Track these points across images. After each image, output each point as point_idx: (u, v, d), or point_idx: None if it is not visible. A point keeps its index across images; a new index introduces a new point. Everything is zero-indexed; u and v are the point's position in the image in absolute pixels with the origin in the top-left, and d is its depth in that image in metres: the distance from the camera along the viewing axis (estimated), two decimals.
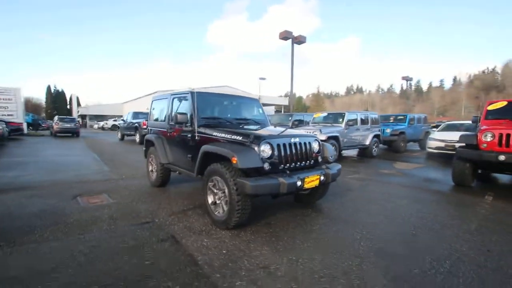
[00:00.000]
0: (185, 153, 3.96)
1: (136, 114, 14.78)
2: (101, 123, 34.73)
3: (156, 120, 5.05)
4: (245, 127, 3.91)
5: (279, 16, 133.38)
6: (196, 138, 3.68)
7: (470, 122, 10.79)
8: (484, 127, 5.42)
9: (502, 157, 4.45)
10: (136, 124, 13.27)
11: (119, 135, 16.01)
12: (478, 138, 4.92)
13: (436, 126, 16.54)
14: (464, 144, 5.34)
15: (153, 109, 5.24)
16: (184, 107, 4.21)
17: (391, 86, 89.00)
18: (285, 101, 33.13)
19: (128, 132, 14.78)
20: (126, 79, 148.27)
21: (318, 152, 3.51)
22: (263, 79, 29.31)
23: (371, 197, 4.48)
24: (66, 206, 3.72)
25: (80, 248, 2.52)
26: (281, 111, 34.57)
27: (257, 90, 30.38)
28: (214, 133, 3.45)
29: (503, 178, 6.36)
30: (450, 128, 10.54)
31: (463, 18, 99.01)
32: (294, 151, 3.21)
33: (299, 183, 2.88)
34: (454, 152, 8.98)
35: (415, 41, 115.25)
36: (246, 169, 2.79)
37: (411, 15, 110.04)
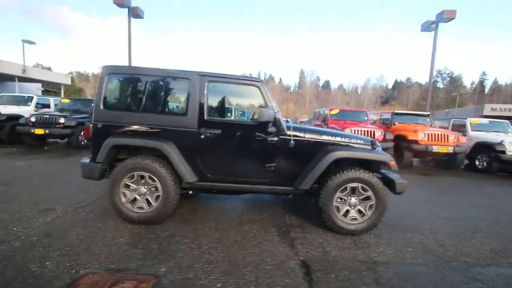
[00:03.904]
0: (261, 162, 2.93)
1: None
2: None
3: (135, 111, 2.91)
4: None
5: None
6: (291, 143, 2.93)
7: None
8: (333, 125, 8.66)
9: None
10: None
11: None
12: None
13: None
14: None
15: (121, 89, 2.91)
16: (239, 99, 3.04)
17: None
18: (66, 80, 24.55)
19: None
20: None
21: None
22: (32, 43, 19.80)
23: None
24: None
25: None
26: (57, 91, 25.08)
27: (19, 57, 19.56)
28: (323, 136, 3.03)
29: None
30: None
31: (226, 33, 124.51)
32: None
33: None
34: None
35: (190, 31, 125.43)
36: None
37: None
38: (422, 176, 6.94)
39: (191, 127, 2.89)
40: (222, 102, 3.07)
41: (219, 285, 1.95)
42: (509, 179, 7.09)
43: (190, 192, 3.20)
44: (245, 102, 2.98)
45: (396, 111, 9.47)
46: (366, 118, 9.31)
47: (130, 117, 2.91)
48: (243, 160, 2.98)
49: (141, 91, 2.94)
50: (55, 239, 2.51)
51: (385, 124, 9.18)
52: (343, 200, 2.94)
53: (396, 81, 78.83)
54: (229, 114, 3.11)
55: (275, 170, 2.97)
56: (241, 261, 2.30)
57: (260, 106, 3.31)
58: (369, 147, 3.12)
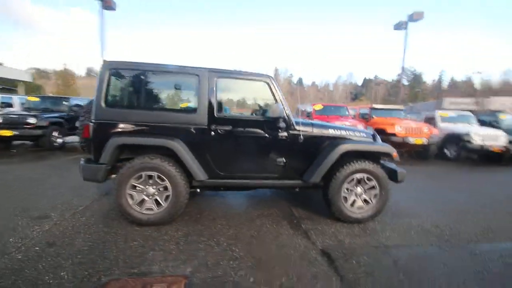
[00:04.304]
0: (272, 157, 2.95)
1: None
2: None
3: (140, 108, 2.78)
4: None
5: None
6: (300, 137, 2.98)
7: None
8: (316, 120, 8.91)
9: None
10: None
11: None
12: None
13: None
14: None
15: (125, 86, 2.75)
16: (248, 95, 3.02)
17: None
18: (26, 76, 22.20)
19: None
20: None
21: None
22: None
23: None
24: None
25: None
26: (12, 88, 22.56)
27: None
28: (330, 130, 3.13)
29: None
30: None
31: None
32: None
33: None
34: None
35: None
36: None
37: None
38: (400, 166, 7.40)
39: (201, 124, 2.82)
40: (230, 98, 3.03)
41: (251, 279, 1.96)
42: (476, 166, 7.83)
43: (198, 190, 3.14)
44: (254, 98, 2.96)
45: (374, 106, 9.97)
46: (347, 112, 9.69)
47: (135, 114, 2.76)
48: (254, 156, 2.98)
49: (147, 87, 2.81)
50: (61, 247, 2.33)
51: (364, 119, 9.63)
52: (349, 191, 3.07)
53: (365, 78, 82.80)
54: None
55: (285, 165, 3.02)
56: (265, 255, 2.31)
57: (259, 104, 3.33)
58: (371, 139, 3.29)
